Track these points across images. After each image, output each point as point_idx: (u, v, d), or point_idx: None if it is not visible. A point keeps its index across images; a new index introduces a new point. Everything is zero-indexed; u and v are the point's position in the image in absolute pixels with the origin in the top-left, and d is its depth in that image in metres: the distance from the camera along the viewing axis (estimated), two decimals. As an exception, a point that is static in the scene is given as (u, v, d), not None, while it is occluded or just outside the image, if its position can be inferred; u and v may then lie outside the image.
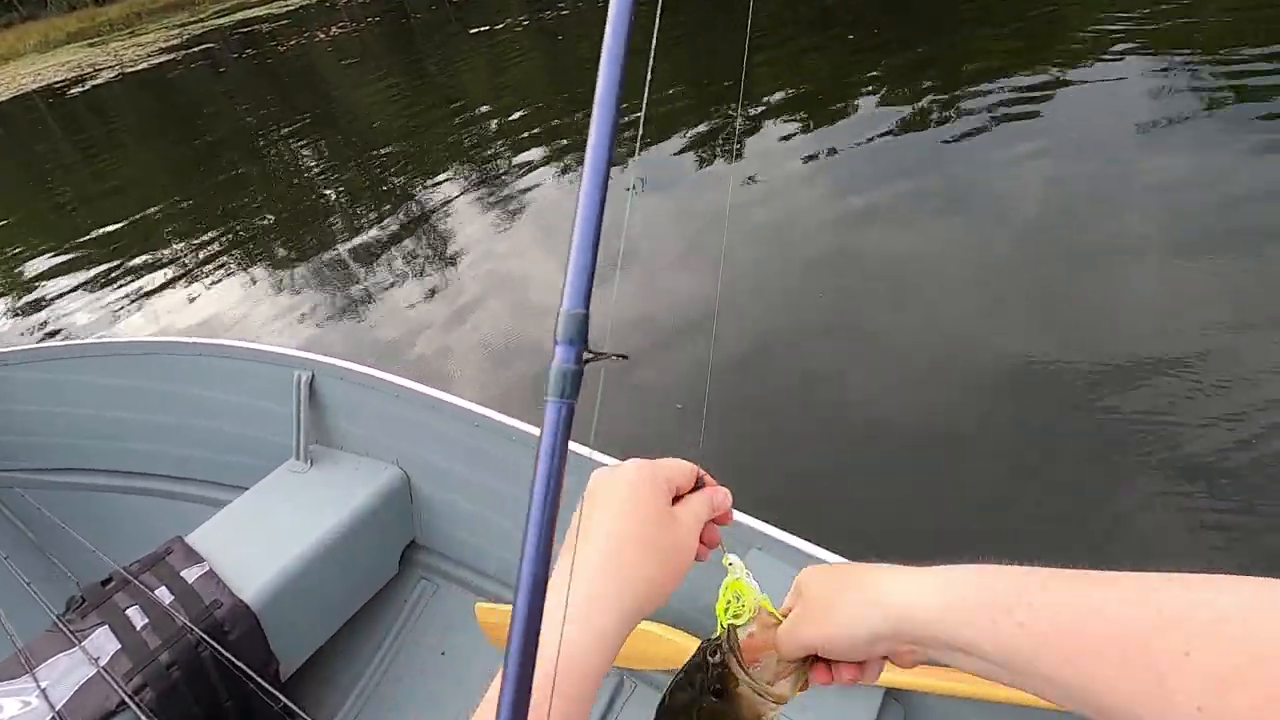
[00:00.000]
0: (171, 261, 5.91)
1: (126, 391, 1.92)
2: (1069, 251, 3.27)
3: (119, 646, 1.52)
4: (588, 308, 0.31)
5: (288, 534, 1.74)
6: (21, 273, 6.62)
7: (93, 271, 6.11)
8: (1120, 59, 4.93)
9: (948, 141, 4.50)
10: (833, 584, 0.48)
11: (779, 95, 5.89)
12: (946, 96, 5.09)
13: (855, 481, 2.51)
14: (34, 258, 6.85)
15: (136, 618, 1.57)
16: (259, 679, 1.58)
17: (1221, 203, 3.26)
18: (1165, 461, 2.29)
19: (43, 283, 6.22)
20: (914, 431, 2.61)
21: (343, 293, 4.68)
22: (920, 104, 5.08)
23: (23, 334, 5.40)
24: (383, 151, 7.42)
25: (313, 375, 1.82)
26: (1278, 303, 2.69)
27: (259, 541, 1.72)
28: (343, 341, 4.12)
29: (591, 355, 0.31)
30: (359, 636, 1.84)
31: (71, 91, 17.46)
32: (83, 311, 5.44)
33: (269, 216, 6.51)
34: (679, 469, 0.54)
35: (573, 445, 0.33)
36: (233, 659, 1.58)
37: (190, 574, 1.65)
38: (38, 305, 5.82)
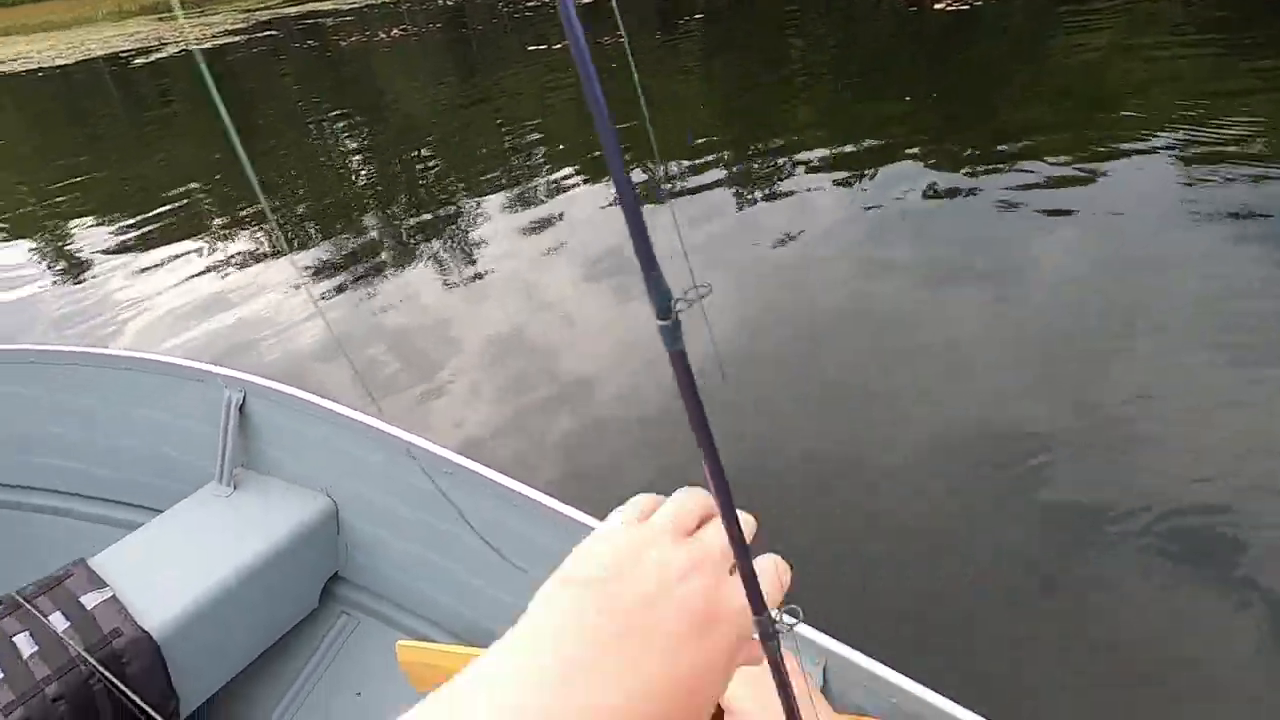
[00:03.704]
0: (198, 234, 6.03)
1: (38, 402, 1.86)
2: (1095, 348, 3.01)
3: (1, 675, 1.45)
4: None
5: (202, 561, 1.65)
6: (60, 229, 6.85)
7: (128, 235, 6.25)
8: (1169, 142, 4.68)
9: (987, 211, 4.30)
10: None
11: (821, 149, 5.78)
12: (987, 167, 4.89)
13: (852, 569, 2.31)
14: (78, 219, 7.04)
15: (25, 645, 1.49)
16: (155, 717, 1.50)
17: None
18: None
19: (81, 241, 6.41)
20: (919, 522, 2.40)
21: (352, 292, 4.65)
22: (961, 172, 4.90)
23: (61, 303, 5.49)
24: (423, 152, 7.50)
25: (244, 396, 1.74)
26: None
27: (170, 567, 1.63)
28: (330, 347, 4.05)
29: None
30: (270, 674, 1.75)
31: (136, 61, 18.00)
32: (116, 276, 5.51)
33: (301, 203, 6.58)
34: (681, 513, 0.35)
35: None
36: (127, 693, 1.49)
37: (90, 600, 1.57)
38: (77, 269, 5.98)
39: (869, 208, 4.60)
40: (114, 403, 1.80)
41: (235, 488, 1.75)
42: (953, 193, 4.58)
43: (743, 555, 0.30)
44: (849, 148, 5.63)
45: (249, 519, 1.72)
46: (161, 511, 1.71)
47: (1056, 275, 3.56)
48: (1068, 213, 4.09)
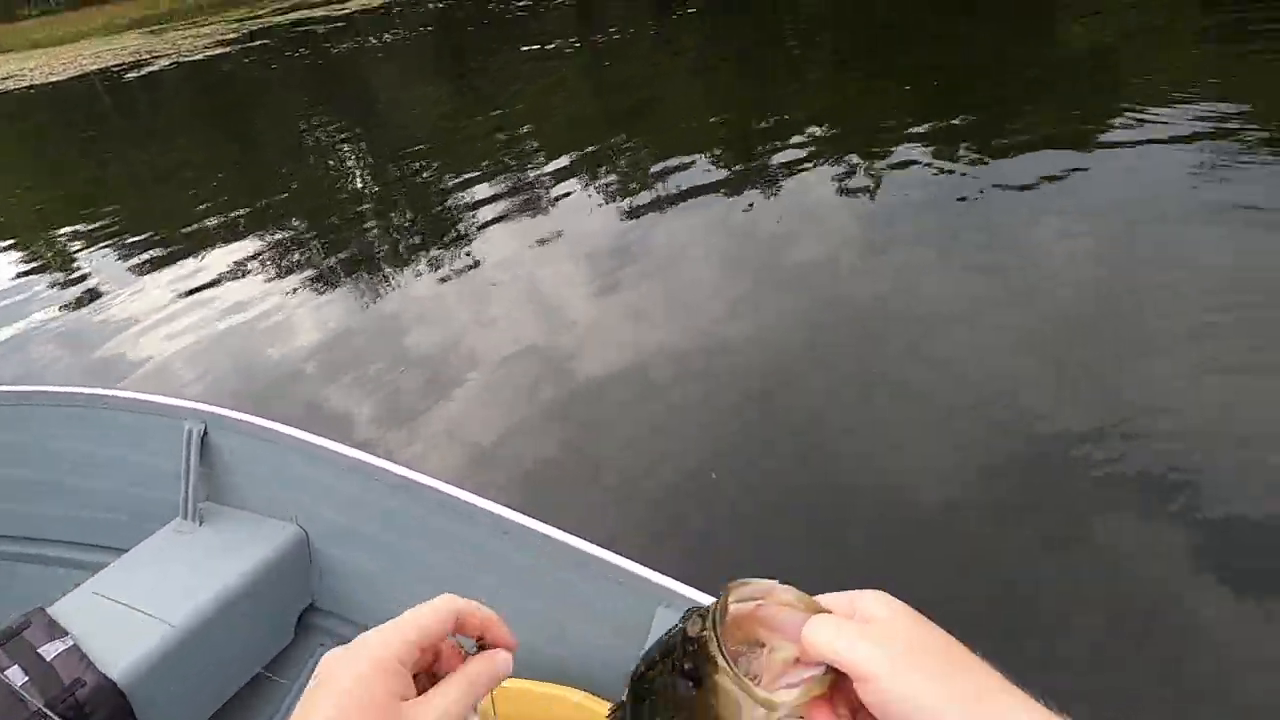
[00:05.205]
0: (193, 248, 6.00)
1: None
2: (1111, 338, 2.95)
3: (-44, 735, 1.39)
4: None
5: (170, 600, 1.58)
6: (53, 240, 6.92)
7: (114, 241, 6.36)
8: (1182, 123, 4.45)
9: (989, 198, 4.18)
10: (940, 640, 0.40)
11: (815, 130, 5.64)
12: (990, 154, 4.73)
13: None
14: (64, 228, 7.11)
15: (-19, 701, 1.43)
16: (123, 768, 1.44)
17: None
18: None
19: (74, 247, 6.48)
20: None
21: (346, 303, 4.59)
22: (962, 160, 4.74)
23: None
24: (417, 160, 7.43)
25: (205, 428, 1.67)
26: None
27: (135, 610, 1.56)
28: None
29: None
30: (249, 711, 1.68)
31: (128, 75, 18.09)
32: (100, 276, 5.53)
33: (295, 213, 6.56)
34: (427, 624, 0.47)
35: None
36: (92, 747, 1.43)
37: (50, 650, 1.50)
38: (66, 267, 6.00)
39: (878, 200, 4.50)
40: (69, 441, 1.73)
41: (201, 522, 1.68)
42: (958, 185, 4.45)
43: None
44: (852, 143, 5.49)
45: (216, 554, 1.65)
46: (125, 552, 1.64)
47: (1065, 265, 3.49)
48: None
